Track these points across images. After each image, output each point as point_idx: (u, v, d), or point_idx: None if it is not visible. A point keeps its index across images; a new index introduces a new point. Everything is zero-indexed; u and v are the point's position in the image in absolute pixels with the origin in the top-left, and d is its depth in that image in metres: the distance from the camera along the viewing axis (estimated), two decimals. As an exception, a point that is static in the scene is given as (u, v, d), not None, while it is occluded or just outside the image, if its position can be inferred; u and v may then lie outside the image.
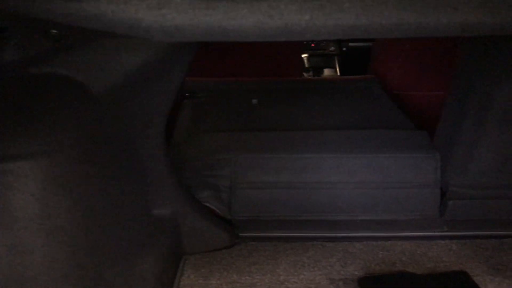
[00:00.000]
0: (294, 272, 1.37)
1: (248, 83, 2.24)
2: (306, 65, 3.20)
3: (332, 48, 3.25)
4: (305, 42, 3.24)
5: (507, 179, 1.47)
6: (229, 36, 0.78)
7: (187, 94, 2.08)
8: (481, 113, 1.41)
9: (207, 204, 1.53)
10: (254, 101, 2.02)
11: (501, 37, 1.30)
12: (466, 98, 1.44)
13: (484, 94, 1.38)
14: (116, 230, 1.10)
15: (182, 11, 0.75)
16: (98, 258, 1.01)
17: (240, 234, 1.52)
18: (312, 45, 3.24)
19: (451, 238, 1.51)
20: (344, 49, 3.27)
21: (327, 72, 3.20)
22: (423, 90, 2.29)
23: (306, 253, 1.45)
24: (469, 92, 1.42)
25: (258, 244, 1.50)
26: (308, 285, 1.31)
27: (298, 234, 1.53)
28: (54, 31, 0.96)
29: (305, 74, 3.16)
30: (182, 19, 0.76)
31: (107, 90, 1.05)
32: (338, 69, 3.22)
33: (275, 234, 1.53)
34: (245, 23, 0.75)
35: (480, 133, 1.43)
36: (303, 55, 3.20)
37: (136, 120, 1.20)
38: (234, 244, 1.50)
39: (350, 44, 3.25)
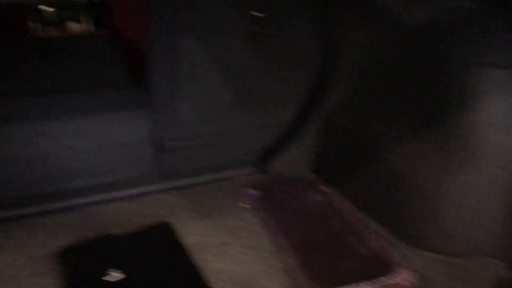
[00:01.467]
0: (-10, 258, 1.26)
1: None
2: (48, 19, 2.89)
3: (78, -2, 2.98)
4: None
5: (208, 128, 1.57)
6: None
7: None
8: (173, 68, 1.45)
9: None
10: None
11: None
12: (160, 53, 1.46)
13: (172, 49, 1.42)
14: None
15: None
16: None
17: None
18: (54, -5, 2.92)
19: (166, 190, 1.58)
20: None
21: (72, 26, 2.94)
22: None
23: (8, 235, 1.35)
24: (161, 47, 1.44)
25: None
26: (2, 269, 1.22)
27: (2, 215, 1.40)
28: None
29: (45, 30, 2.84)
30: None
31: None
32: (86, 23, 2.98)
33: None
34: None
35: (177, 87, 1.48)
36: (42, 7, 2.86)
37: None
38: None
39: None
